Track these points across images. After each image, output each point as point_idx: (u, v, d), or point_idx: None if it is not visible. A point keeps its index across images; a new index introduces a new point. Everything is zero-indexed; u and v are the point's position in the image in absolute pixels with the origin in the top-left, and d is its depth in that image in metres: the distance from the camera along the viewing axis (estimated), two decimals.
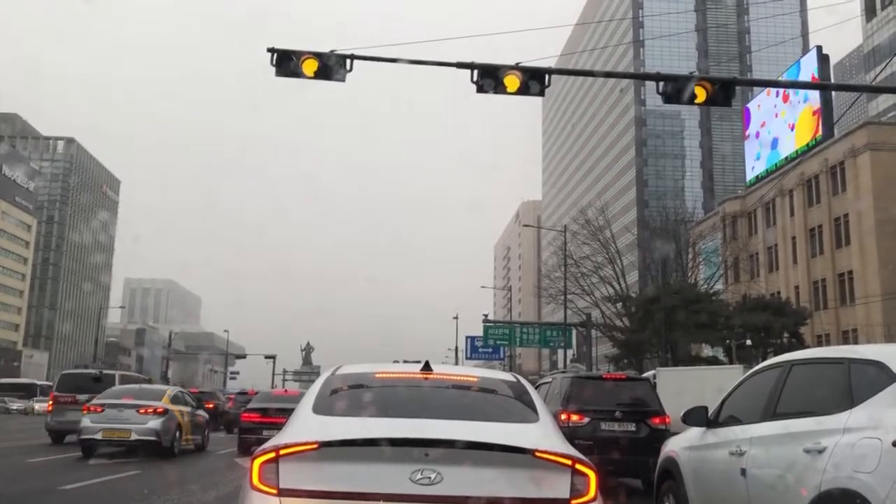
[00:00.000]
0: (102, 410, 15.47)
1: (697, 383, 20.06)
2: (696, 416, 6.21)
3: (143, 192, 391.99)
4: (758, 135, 61.26)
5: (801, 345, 35.85)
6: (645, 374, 24.62)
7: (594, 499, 3.60)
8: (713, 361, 39.29)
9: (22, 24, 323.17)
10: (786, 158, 56.55)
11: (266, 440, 4.05)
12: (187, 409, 17.38)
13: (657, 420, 11.67)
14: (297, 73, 12.49)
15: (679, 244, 50.44)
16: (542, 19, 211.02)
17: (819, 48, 53.87)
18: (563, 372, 23.17)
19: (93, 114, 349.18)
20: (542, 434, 4.00)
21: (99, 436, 15.15)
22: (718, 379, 17.76)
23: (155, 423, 15.35)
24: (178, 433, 16.12)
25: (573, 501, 3.55)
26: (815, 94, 52.31)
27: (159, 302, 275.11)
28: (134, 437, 15.16)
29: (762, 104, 61.15)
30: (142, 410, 15.52)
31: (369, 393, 4.55)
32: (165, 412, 15.77)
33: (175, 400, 16.99)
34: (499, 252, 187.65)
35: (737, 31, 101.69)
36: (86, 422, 15.34)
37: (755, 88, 63.62)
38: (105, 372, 22.15)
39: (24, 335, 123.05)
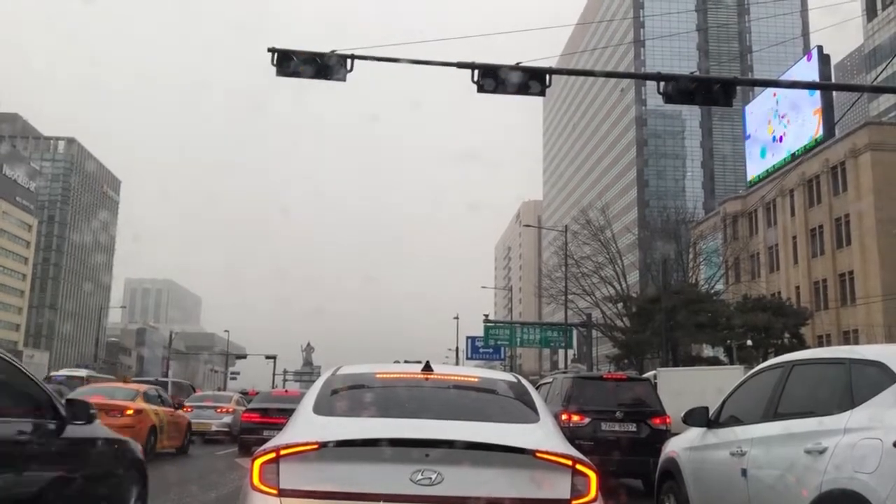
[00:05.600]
0: (192, 410, 20.68)
1: (698, 383, 20.03)
2: (697, 417, 6.21)
3: (144, 192, 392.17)
4: (758, 135, 61.26)
5: (802, 345, 35.79)
6: (646, 375, 24.59)
7: (595, 499, 3.59)
8: (714, 362, 39.25)
9: (22, 24, 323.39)
10: (786, 158, 56.56)
11: (266, 440, 4.06)
12: (244, 409, 22.14)
13: (658, 420, 11.67)
14: (297, 73, 12.48)
15: (680, 244, 50.40)
16: (542, 19, 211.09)
17: (820, 48, 53.84)
18: (564, 372, 23.18)
19: (93, 114, 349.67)
20: (542, 434, 4.00)
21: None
22: (719, 379, 17.74)
23: (227, 418, 21.22)
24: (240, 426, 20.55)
25: (574, 502, 3.55)
26: (816, 94, 52.26)
27: (159, 302, 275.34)
28: (214, 428, 20.79)
29: (763, 104, 61.16)
30: (219, 410, 21.60)
31: (370, 393, 4.55)
32: (234, 411, 21.44)
33: (238, 402, 23.20)
34: (499, 252, 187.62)
35: (737, 31, 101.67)
36: None
37: (756, 88, 63.58)
38: (160, 379, 27.33)
39: (24, 335, 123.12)
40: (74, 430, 4.92)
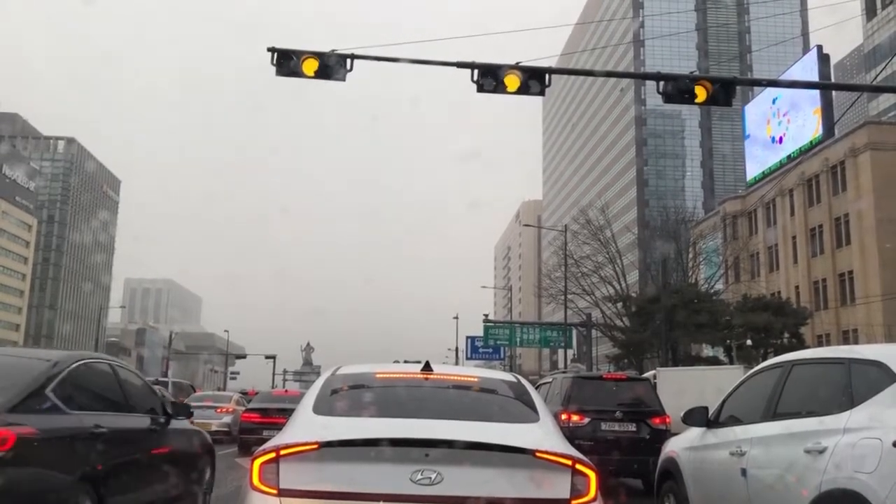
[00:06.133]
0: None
1: (698, 383, 19.98)
2: (697, 417, 6.21)
3: (144, 192, 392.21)
4: (758, 134, 61.25)
5: (802, 345, 35.76)
6: (645, 374, 24.58)
7: (594, 499, 3.60)
8: (713, 361, 39.23)
9: (22, 24, 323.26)
10: (786, 158, 56.55)
11: (266, 440, 4.06)
12: (243, 409, 22.50)
13: (657, 420, 11.66)
14: (297, 73, 12.46)
15: (679, 244, 50.34)
16: (542, 19, 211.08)
17: (819, 48, 53.84)
18: (564, 372, 23.16)
19: (93, 114, 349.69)
20: (542, 434, 4.01)
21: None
22: (719, 379, 17.72)
23: (227, 418, 21.35)
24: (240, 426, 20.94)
25: (573, 501, 3.55)
26: (815, 94, 52.27)
27: (159, 302, 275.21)
28: (214, 428, 20.22)
29: (762, 104, 61.14)
30: (218, 410, 21.68)
31: (370, 393, 4.55)
32: (234, 411, 21.69)
33: (237, 402, 23.52)
34: (499, 252, 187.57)
35: (737, 31, 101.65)
36: None
37: (755, 88, 63.58)
38: (160, 379, 27.99)
39: (24, 335, 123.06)
40: (176, 424, 6.95)
